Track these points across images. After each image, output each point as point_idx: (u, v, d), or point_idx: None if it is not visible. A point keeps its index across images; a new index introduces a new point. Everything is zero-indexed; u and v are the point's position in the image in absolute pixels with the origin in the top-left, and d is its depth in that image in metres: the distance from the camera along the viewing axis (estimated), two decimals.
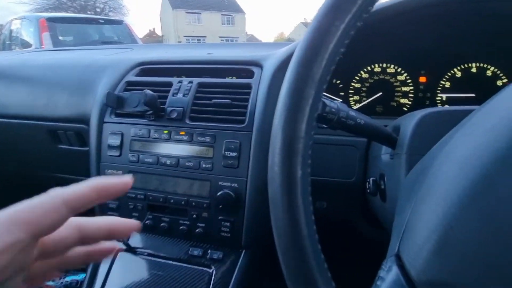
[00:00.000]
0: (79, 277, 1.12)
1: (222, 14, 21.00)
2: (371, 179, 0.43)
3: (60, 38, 3.49)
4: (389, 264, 0.22)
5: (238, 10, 21.10)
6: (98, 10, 16.07)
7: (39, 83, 0.72)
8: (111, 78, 0.65)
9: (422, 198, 0.23)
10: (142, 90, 0.61)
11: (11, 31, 4.01)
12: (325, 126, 0.33)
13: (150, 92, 0.54)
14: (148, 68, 0.68)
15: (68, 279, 1.11)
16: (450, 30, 0.58)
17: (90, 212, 0.25)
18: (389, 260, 0.22)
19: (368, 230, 0.62)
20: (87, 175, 0.72)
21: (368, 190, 0.44)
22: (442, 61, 0.62)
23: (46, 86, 0.71)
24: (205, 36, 19.40)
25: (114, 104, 0.55)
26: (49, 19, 3.45)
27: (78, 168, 0.75)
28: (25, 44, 3.55)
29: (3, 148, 0.80)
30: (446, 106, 0.62)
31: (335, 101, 0.33)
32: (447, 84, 0.63)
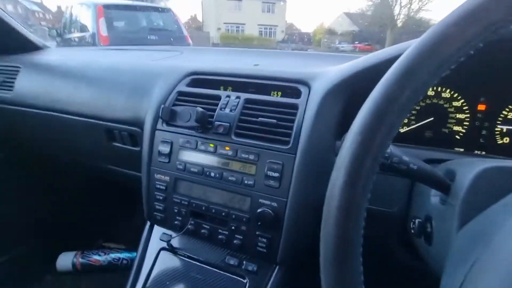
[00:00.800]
0: (122, 254, 1.23)
1: (262, 2, 20.89)
2: (416, 220, 0.42)
3: (114, 24, 3.76)
4: None
5: None
6: None
7: (100, 85, 0.78)
8: (164, 86, 0.69)
9: (481, 269, 0.23)
10: (192, 101, 0.65)
11: (71, 15, 4.34)
12: None
13: (201, 109, 0.57)
14: (198, 79, 0.71)
15: (112, 255, 1.24)
16: None
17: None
18: None
19: (405, 257, 0.61)
20: (138, 171, 0.78)
21: (412, 231, 0.43)
22: (507, 89, 0.58)
23: (106, 89, 0.77)
24: (244, 23, 19.54)
25: (167, 117, 0.59)
26: (105, 6, 3.71)
27: (130, 164, 0.81)
28: (83, 29, 3.89)
29: (64, 139, 0.89)
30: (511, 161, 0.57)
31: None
32: (510, 115, 0.58)
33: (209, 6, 19.85)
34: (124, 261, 1.21)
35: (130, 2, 4.42)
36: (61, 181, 1.22)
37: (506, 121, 0.58)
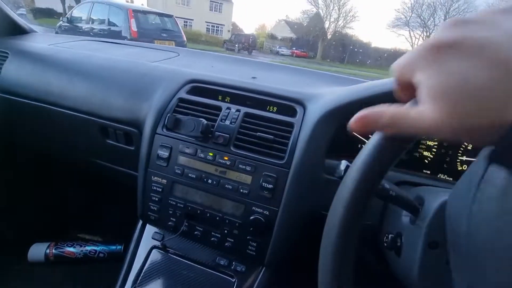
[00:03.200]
0: (98, 247, 1.23)
1: (210, 1, 21.97)
2: (389, 235, 0.50)
3: (140, 23, 5.18)
4: None
5: None
6: None
7: (98, 82, 0.79)
8: (165, 92, 0.72)
9: None
10: (193, 108, 0.68)
11: (90, 11, 5.59)
12: None
13: (206, 122, 0.60)
14: (198, 87, 0.74)
15: (88, 248, 1.22)
16: None
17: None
18: None
19: (374, 263, 0.70)
20: (130, 169, 0.80)
21: (385, 244, 0.51)
22: None
23: (104, 86, 0.78)
24: (193, 19, 20.52)
25: (172, 126, 0.62)
26: (134, 10, 5.24)
27: (124, 162, 0.83)
28: (111, 24, 5.37)
29: (53, 132, 0.88)
30: None
31: None
32: (469, 146, 0.68)
33: None
34: (101, 254, 1.20)
35: (148, 9, 6.09)
36: (40, 172, 1.19)
37: (466, 152, 0.69)
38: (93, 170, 1.00)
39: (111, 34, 5.13)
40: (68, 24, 5.63)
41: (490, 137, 0.18)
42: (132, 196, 0.72)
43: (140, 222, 0.73)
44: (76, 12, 5.79)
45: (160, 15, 5.81)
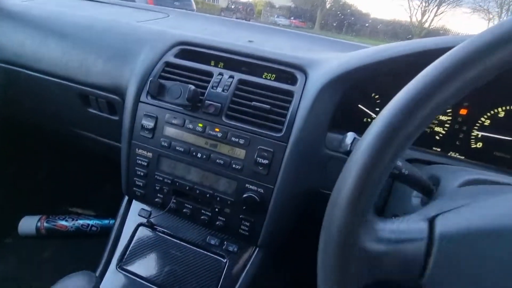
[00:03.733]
0: (91, 221, 1.20)
1: None
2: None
3: None
4: None
5: None
6: None
7: (73, 43, 0.70)
8: (150, 55, 0.64)
9: None
10: (181, 74, 0.61)
11: None
12: None
13: (194, 88, 0.53)
14: (187, 50, 0.66)
15: (81, 221, 1.19)
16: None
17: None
18: None
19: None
20: (116, 141, 0.74)
21: None
22: (489, 97, 0.61)
23: (81, 48, 0.69)
24: None
25: (155, 93, 0.55)
26: None
27: (107, 133, 0.76)
28: None
29: (30, 100, 0.81)
30: (493, 174, 0.60)
31: None
32: (487, 122, 0.62)
33: None
34: (94, 228, 1.17)
35: None
36: (26, 143, 1.12)
37: (482, 127, 0.62)
38: (79, 142, 0.94)
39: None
40: None
41: None
42: (118, 170, 0.67)
43: (126, 198, 0.69)
44: None
45: None
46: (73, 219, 1.17)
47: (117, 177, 0.73)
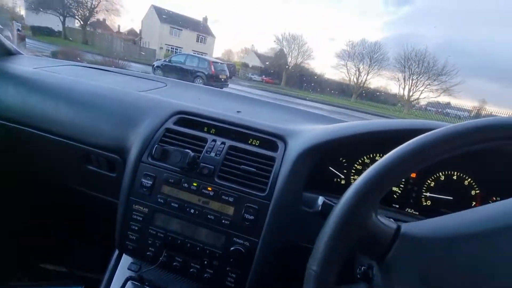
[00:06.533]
0: None
1: (197, 34, 27.57)
2: (362, 267, 0.53)
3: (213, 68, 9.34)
4: None
5: (210, 34, 28.53)
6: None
7: (83, 109, 0.80)
8: (152, 122, 0.74)
9: None
10: (179, 139, 0.71)
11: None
12: None
13: (193, 154, 0.63)
14: (185, 118, 0.77)
15: None
16: None
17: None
18: None
19: None
20: (111, 196, 0.79)
21: (358, 276, 0.54)
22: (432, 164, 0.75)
23: (90, 114, 0.79)
24: (182, 48, 24.76)
25: (159, 156, 0.64)
26: (212, 61, 9.68)
27: (104, 189, 0.82)
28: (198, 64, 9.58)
29: (33, 155, 0.86)
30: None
31: None
32: (432, 184, 0.76)
33: (151, 26, 24.17)
34: None
35: (217, 60, 11.18)
36: (10, 194, 1.12)
37: (429, 189, 0.76)
38: (69, 197, 0.97)
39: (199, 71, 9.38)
40: (169, 64, 9.69)
41: None
42: (107, 225, 0.71)
43: (116, 252, 0.72)
44: (174, 57, 10.16)
45: (221, 63, 10.35)
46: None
47: (97, 232, 0.77)
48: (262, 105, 1.00)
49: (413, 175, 0.76)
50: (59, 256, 1.23)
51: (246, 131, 0.74)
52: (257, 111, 0.90)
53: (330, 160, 0.74)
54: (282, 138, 0.71)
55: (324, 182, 0.73)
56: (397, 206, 0.76)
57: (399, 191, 0.77)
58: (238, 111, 0.85)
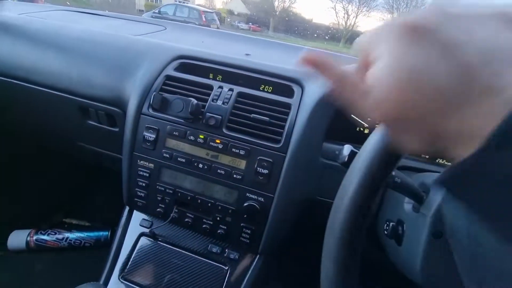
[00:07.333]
0: (84, 234, 1.15)
1: None
2: (391, 223, 0.48)
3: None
4: None
5: None
6: None
7: (74, 56, 0.71)
8: (150, 68, 0.66)
9: None
10: (182, 87, 0.63)
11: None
12: None
13: (196, 102, 0.55)
14: (186, 63, 0.68)
15: (73, 236, 1.14)
16: None
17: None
18: None
19: (372, 251, 0.69)
20: (116, 152, 0.75)
21: (385, 232, 0.49)
22: None
23: (81, 61, 0.71)
24: None
25: (158, 106, 0.56)
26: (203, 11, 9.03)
27: (107, 144, 0.77)
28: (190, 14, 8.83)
29: (33, 113, 0.81)
30: None
31: None
32: None
33: None
34: (87, 244, 1.11)
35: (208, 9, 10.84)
36: (19, 154, 1.11)
37: None
38: (76, 153, 0.94)
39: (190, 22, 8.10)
40: (159, 15, 8.59)
41: (425, 145, 0.18)
42: (118, 180, 0.68)
43: (127, 209, 0.69)
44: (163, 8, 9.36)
45: (211, 12, 10.11)
46: (63, 234, 1.11)
47: (115, 188, 0.74)
48: (272, 46, 0.88)
49: None
50: (80, 212, 1.26)
51: (257, 76, 0.65)
52: (268, 54, 0.79)
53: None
54: (298, 82, 0.62)
55: (345, 132, 0.65)
56: (427, 156, 0.68)
57: None
58: (247, 54, 0.75)
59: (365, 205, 0.29)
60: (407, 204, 0.48)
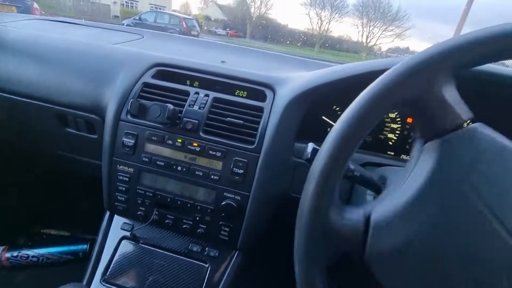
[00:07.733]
0: (62, 249, 1.10)
1: None
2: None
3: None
4: None
5: None
6: None
7: (52, 65, 0.72)
8: (128, 76, 0.68)
9: None
10: (159, 93, 0.65)
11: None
12: None
13: (173, 107, 0.58)
14: (164, 71, 0.70)
15: (50, 250, 1.09)
16: None
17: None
18: None
19: None
20: (95, 158, 0.76)
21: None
22: None
23: (59, 70, 0.72)
24: (138, 1, 24.03)
25: (136, 112, 0.59)
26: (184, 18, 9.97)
27: (86, 151, 0.78)
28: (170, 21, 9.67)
29: (9, 122, 0.80)
30: None
31: None
32: None
33: None
34: (65, 257, 1.07)
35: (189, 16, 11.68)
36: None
37: None
38: (56, 162, 0.93)
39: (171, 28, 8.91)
40: (140, 22, 9.20)
41: None
42: (97, 187, 0.69)
43: (108, 213, 0.71)
44: (143, 15, 9.92)
45: (191, 19, 10.64)
46: (39, 251, 1.05)
47: (95, 196, 0.75)
48: (248, 53, 0.92)
49: (409, 120, 0.73)
50: (59, 222, 1.24)
51: (232, 82, 0.68)
52: (243, 61, 0.83)
53: (323, 109, 0.70)
54: (270, 87, 0.66)
55: (317, 133, 0.69)
56: (392, 153, 0.74)
57: (395, 137, 0.74)
58: (222, 61, 0.78)
59: (327, 195, 0.33)
60: (369, 196, 0.53)
